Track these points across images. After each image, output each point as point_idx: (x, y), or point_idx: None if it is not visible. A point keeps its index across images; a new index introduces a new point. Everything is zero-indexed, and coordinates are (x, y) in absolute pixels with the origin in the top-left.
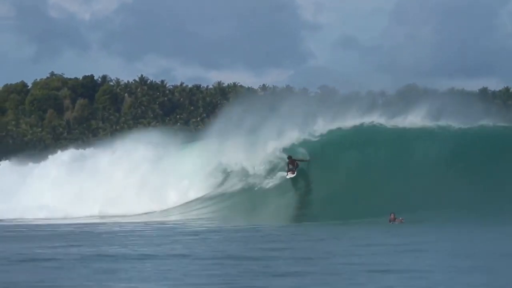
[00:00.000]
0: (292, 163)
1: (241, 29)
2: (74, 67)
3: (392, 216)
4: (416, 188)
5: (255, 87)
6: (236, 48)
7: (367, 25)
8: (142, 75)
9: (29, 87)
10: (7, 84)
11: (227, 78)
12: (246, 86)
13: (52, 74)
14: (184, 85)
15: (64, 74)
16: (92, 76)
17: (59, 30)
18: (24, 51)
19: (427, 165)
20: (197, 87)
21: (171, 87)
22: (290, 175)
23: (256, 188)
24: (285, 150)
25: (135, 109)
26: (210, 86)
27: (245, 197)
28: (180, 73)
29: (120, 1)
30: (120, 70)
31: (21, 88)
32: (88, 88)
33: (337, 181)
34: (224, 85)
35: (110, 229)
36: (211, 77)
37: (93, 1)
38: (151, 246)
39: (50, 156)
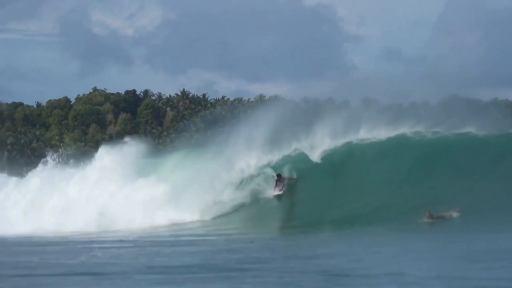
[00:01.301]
0: (281, 181)
1: (284, 42)
2: (117, 82)
3: (427, 214)
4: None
5: (297, 99)
6: (279, 61)
7: (411, 36)
8: (184, 89)
9: (72, 103)
10: (50, 100)
11: (269, 91)
12: (288, 99)
13: (94, 89)
14: (225, 98)
15: (106, 89)
16: (134, 91)
17: (102, 46)
18: (67, 67)
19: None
20: (239, 100)
21: (213, 100)
22: (276, 192)
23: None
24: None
25: (177, 123)
26: (252, 99)
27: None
28: (223, 86)
29: (163, 17)
30: (163, 85)
31: (64, 104)
32: (130, 102)
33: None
34: (266, 97)
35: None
36: (254, 90)
37: (136, 17)
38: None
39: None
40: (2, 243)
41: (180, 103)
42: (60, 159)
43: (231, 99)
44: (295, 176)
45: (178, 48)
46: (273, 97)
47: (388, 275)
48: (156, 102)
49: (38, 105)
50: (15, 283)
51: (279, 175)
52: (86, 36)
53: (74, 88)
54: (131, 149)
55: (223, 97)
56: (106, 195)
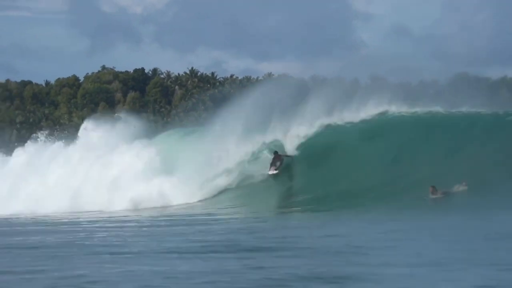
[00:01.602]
0: (279, 159)
1: (292, 20)
2: (126, 60)
3: (431, 189)
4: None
5: (306, 77)
6: (287, 39)
7: (420, 14)
8: (192, 68)
9: (81, 81)
10: (59, 78)
11: (277, 69)
12: (296, 77)
13: (103, 67)
14: (234, 77)
15: (115, 67)
16: (142, 69)
17: (111, 24)
18: (76, 45)
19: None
20: (248, 78)
21: (221, 79)
22: (272, 171)
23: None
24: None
25: (185, 102)
26: (260, 78)
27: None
28: (232, 65)
29: None
30: (172, 63)
31: (73, 82)
32: (139, 81)
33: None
34: (274, 76)
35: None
36: (263, 69)
37: None
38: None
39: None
40: (6, 223)
41: (189, 81)
42: (48, 138)
43: (239, 78)
44: (292, 153)
45: (187, 26)
46: (282, 75)
47: (405, 256)
48: (165, 80)
49: (47, 83)
50: (40, 261)
51: (276, 153)
52: (95, 13)
53: (83, 67)
54: (123, 126)
55: (231, 76)
56: (85, 174)
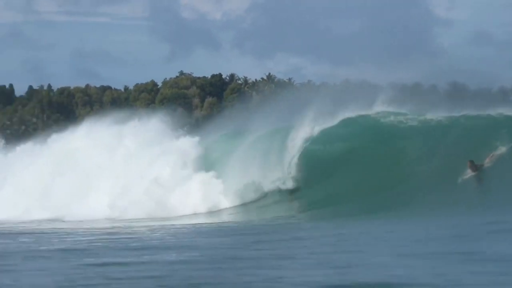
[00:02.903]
0: None
1: (372, 26)
2: (204, 66)
3: (469, 164)
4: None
5: (383, 84)
6: (367, 44)
7: (502, 19)
8: (269, 73)
9: (159, 86)
10: (137, 83)
11: (355, 75)
12: (373, 83)
13: (181, 73)
14: (311, 82)
15: (193, 73)
16: (220, 75)
17: (190, 30)
18: (155, 51)
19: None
20: (324, 84)
21: (298, 84)
22: None
23: None
24: None
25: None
26: (338, 83)
27: None
28: (310, 71)
29: (252, 0)
30: (250, 69)
31: (151, 87)
32: (217, 86)
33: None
34: (351, 82)
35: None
36: (341, 74)
37: (224, 1)
38: None
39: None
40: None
41: (266, 87)
42: None
43: (317, 83)
44: None
45: (266, 32)
46: (359, 81)
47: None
48: (242, 86)
49: (126, 88)
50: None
51: None
52: (175, 20)
53: (161, 72)
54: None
55: (308, 81)
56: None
